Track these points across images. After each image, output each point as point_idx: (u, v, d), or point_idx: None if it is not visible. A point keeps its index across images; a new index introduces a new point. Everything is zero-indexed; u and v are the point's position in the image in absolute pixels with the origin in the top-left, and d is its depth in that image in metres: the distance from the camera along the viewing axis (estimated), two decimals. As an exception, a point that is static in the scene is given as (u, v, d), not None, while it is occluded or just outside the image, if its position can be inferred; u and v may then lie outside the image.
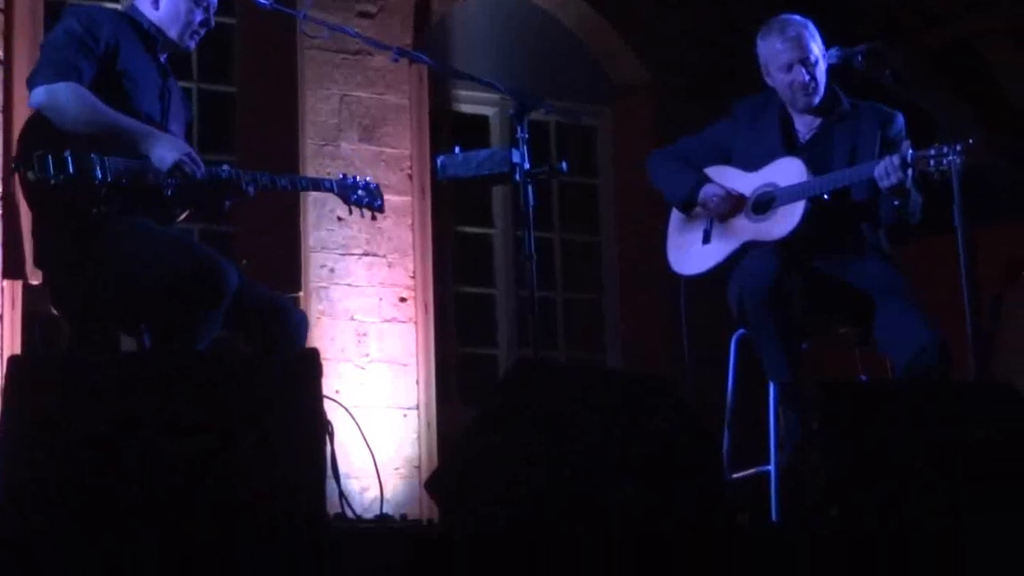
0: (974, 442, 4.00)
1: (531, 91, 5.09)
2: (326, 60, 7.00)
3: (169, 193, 4.56)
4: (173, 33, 4.82)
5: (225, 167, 4.70)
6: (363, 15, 7.10)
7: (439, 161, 5.15)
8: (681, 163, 5.46)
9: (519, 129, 4.91)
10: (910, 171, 4.95)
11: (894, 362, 5.01)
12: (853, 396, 4.09)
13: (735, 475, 5.23)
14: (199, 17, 4.84)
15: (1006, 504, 3.92)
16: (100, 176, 4.44)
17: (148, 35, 4.79)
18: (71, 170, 4.42)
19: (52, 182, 4.40)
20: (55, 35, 4.65)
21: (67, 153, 4.43)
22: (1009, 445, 4.04)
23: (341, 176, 5.08)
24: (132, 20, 4.79)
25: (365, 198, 5.05)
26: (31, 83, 4.58)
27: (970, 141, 4.86)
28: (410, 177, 7.07)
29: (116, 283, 4.52)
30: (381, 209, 5.10)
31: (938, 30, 7.94)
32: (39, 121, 4.54)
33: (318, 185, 5.15)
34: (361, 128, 7.04)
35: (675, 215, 5.51)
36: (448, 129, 7.69)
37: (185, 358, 3.97)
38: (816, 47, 5.23)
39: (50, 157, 4.42)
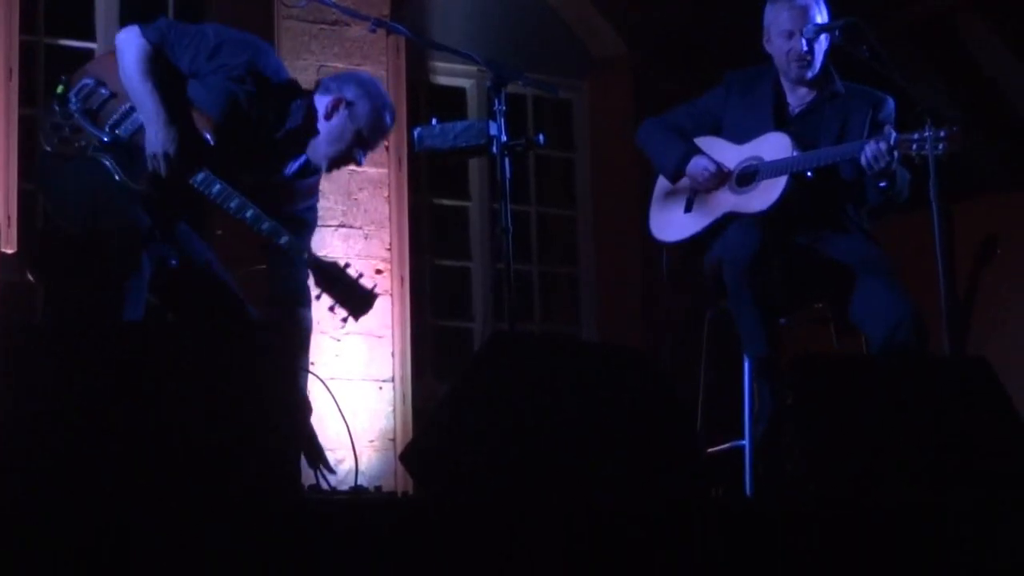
0: (949, 417, 4.01)
1: (508, 63, 5.07)
2: (303, 30, 6.97)
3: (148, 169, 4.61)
4: (322, 150, 4.79)
5: (217, 187, 4.61)
6: (341, -15, 7.08)
7: (416, 133, 5.12)
8: (672, 132, 5.45)
9: (496, 101, 4.88)
10: (896, 154, 4.97)
11: (870, 338, 5.02)
12: (828, 371, 4.09)
13: (710, 449, 5.24)
14: (357, 154, 4.83)
15: (980, 478, 3.94)
16: (112, 126, 4.58)
17: (284, 126, 4.79)
18: (94, 106, 4.60)
19: (70, 105, 4.57)
20: (197, 26, 4.79)
21: (106, 90, 4.59)
22: (982, 420, 4.06)
23: (338, 263, 4.70)
24: (302, 106, 4.79)
25: (338, 298, 4.65)
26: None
27: (954, 128, 4.87)
28: (386, 148, 7.04)
29: (53, 214, 4.73)
30: (354, 318, 4.68)
31: (914, 6, 7.94)
32: (107, 59, 4.70)
33: (294, 251, 4.66)
34: (338, 99, 7.01)
35: (661, 181, 5.51)
36: (425, 101, 7.68)
37: (161, 328, 3.97)
38: (821, 21, 5.23)
39: (89, 84, 4.61)
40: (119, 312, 4.37)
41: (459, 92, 7.87)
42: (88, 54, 6.85)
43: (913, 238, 5.47)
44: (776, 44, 5.29)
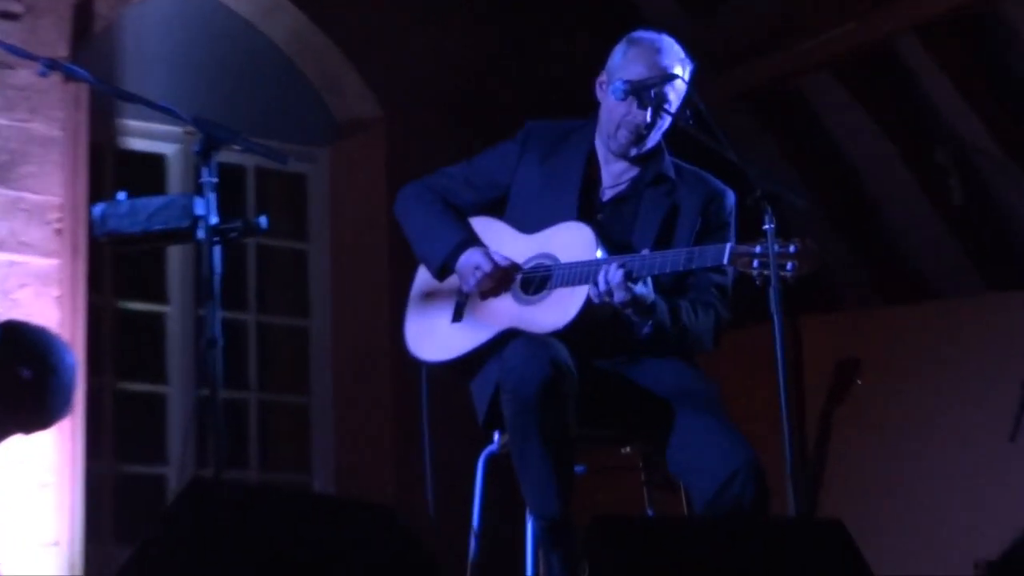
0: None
1: (224, 123, 5.02)
2: (-50, 73, 6.88)
3: None
4: None
5: None
6: (3, 16, 6.99)
7: (97, 212, 5.06)
8: (442, 208, 5.40)
9: (205, 172, 4.89)
10: (640, 285, 4.94)
11: (693, 493, 5.03)
12: (635, 536, 4.09)
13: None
14: None
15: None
16: None
17: None
18: None
19: None
20: None
21: None
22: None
23: None
24: None
25: None
26: None
27: (806, 241, 4.78)
28: (59, 232, 6.99)
29: None
30: None
31: (750, 66, 8.12)
32: None
33: None
34: (-5, 165, 6.92)
35: (421, 276, 5.46)
36: (113, 170, 7.70)
37: None
38: (674, 93, 5.18)
39: None
40: None
41: (158, 160, 7.93)
42: None
43: (749, 359, 5.51)
44: (612, 99, 5.21)
